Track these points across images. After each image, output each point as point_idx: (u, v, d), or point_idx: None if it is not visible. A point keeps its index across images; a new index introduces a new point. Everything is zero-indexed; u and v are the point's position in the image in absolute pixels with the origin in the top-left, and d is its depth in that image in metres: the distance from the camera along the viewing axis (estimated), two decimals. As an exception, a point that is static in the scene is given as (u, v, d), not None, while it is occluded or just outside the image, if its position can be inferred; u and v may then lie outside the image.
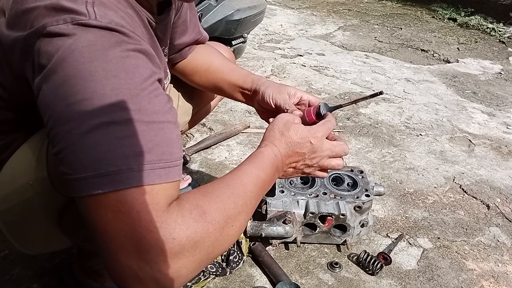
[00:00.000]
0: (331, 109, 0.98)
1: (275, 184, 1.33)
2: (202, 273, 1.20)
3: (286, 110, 0.99)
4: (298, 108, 1.01)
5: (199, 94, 1.28)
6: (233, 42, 2.39)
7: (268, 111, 1.06)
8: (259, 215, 1.29)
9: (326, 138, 0.88)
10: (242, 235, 1.28)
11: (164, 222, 0.58)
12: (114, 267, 0.58)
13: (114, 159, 0.58)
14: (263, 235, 1.24)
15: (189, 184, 1.55)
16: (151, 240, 0.57)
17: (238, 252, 1.26)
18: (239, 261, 1.25)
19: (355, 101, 1.00)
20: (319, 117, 0.96)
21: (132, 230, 0.57)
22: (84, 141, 0.58)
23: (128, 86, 0.61)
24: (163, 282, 0.58)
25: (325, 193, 1.32)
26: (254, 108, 1.14)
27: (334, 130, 2.02)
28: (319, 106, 0.97)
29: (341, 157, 0.90)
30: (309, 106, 1.04)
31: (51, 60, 0.61)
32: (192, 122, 1.38)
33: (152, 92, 0.64)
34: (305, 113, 0.99)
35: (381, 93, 0.93)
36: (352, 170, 1.42)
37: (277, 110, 1.02)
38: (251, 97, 1.11)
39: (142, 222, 0.57)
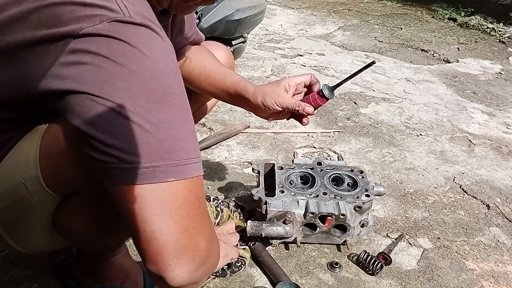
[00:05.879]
0: (333, 89, 1.10)
1: (275, 184, 1.33)
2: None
3: (296, 111, 1.11)
4: (299, 93, 1.15)
5: (196, 94, 1.28)
6: (233, 42, 2.39)
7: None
8: (259, 215, 1.29)
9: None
10: (246, 249, 1.28)
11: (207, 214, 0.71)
12: (157, 262, 0.65)
13: (185, 150, 0.66)
14: (263, 235, 1.24)
15: None
16: (202, 236, 0.69)
17: (242, 259, 1.25)
18: (241, 266, 1.24)
19: (352, 76, 1.07)
20: (326, 98, 1.09)
21: (192, 220, 0.67)
22: (156, 133, 0.63)
23: (177, 87, 0.66)
24: (200, 270, 0.68)
25: (325, 193, 1.31)
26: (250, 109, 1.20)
27: (334, 131, 2.04)
28: (322, 89, 1.09)
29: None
30: (308, 87, 1.15)
31: (96, 58, 0.62)
32: None
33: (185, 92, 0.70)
34: (311, 99, 1.10)
35: (373, 62, 1.01)
36: (352, 170, 1.42)
37: (284, 110, 1.14)
38: (241, 102, 1.16)
39: (200, 210, 0.68)
